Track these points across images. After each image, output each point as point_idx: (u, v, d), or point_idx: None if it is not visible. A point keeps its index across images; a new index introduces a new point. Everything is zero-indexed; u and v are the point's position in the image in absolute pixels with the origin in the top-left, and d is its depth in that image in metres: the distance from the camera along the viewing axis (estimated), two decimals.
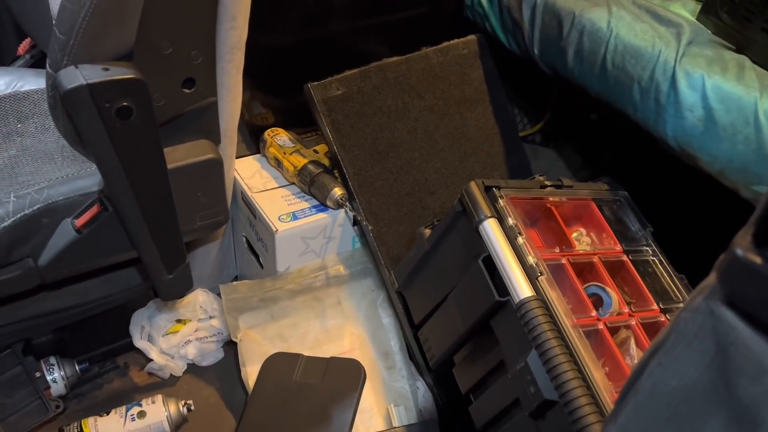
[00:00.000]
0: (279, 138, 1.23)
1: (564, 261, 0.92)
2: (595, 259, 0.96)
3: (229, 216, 1.07)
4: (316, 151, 1.22)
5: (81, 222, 0.87)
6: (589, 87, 1.07)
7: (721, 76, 0.90)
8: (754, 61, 0.93)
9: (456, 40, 1.27)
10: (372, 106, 1.18)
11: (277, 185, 1.20)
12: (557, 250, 0.95)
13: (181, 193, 0.92)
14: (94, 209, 0.88)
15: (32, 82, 1.07)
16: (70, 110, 0.75)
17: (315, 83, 1.14)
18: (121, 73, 0.75)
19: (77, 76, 0.73)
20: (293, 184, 1.20)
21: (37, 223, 0.87)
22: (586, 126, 1.54)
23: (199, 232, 1.05)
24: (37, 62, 1.22)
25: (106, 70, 0.75)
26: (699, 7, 1.04)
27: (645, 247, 1.04)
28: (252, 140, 1.29)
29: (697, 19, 1.04)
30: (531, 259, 0.88)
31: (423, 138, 1.21)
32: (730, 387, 0.32)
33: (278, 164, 1.21)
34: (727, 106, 0.88)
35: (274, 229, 1.10)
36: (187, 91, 0.89)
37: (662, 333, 0.37)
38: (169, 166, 0.87)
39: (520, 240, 0.90)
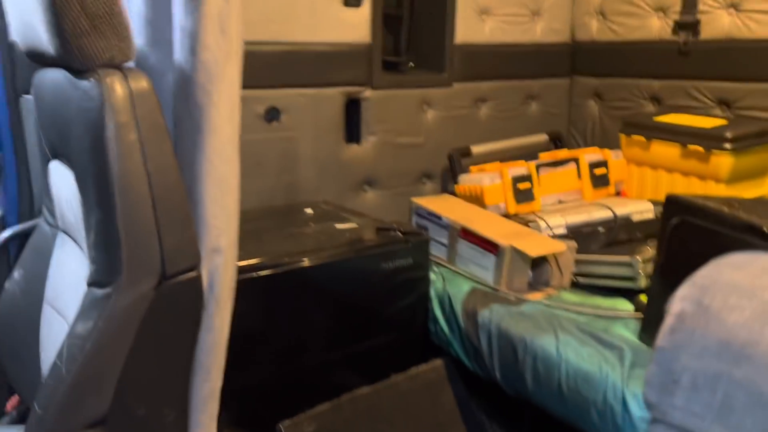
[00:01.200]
0: None
1: None
2: None
3: None
4: None
5: None
6: (551, 410, 1.10)
7: None
8: None
9: (423, 366, 1.33)
10: None
11: None
12: None
13: None
14: None
15: None
16: None
17: (287, 422, 1.17)
18: None
19: None
20: None
21: None
22: None
23: None
24: (23, 418, 1.25)
25: None
26: (639, 325, 1.13)
27: None
28: None
29: (638, 337, 1.12)
30: None
31: None
32: None
33: None
34: None
35: None
36: None
37: None
38: None
39: None
